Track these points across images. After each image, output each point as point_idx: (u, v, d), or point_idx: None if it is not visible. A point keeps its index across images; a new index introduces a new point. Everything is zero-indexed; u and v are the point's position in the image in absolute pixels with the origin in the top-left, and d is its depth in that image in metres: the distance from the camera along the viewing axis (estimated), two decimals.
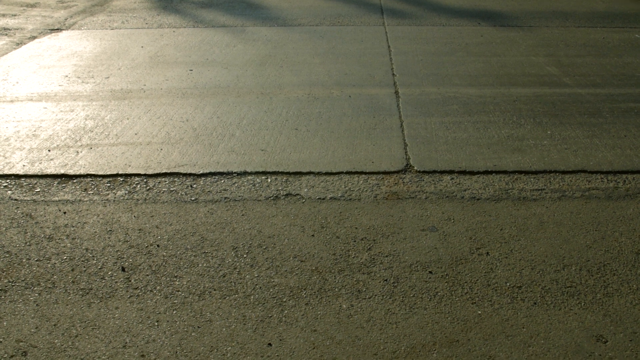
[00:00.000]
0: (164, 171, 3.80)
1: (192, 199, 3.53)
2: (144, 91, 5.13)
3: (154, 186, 3.65)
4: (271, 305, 2.71)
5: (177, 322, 2.62)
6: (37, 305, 2.72)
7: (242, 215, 3.37)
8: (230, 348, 2.48)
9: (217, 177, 3.75)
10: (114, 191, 3.61)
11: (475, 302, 2.71)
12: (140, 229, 3.25)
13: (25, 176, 3.76)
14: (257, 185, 3.66)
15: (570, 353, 2.44)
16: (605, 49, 6.13)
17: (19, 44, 6.55)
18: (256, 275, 2.90)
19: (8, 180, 3.72)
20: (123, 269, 2.95)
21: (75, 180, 3.72)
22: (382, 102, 4.85)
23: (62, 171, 3.81)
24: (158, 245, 3.12)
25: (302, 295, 2.77)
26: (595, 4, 8.05)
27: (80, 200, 3.53)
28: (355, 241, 3.14)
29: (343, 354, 2.45)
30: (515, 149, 4.05)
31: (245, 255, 3.03)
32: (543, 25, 7.12)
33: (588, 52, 6.04)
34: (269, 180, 3.70)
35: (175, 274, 2.91)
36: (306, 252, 3.06)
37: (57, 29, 7.18)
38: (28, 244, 3.14)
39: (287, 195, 3.55)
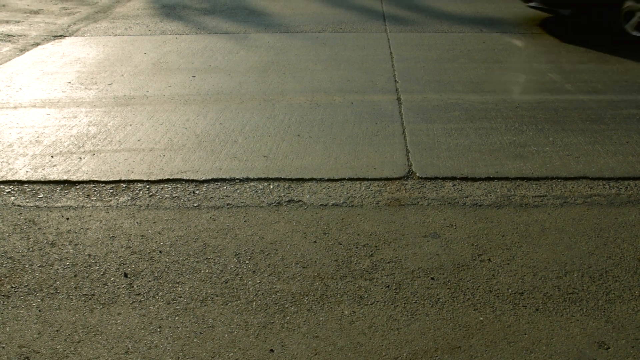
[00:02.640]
0: (166, 177, 3.81)
1: (195, 205, 3.54)
2: (146, 97, 5.14)
3: (156, 192, 3.66)
4: (273, 312, 2.71)
5: (180, 328, 2.62)
6: (39, 310, 2.73)
7: (245, 221, 3.38)
8: (232, 354, 2.49)
9: (219, 183, 3.75)
10: (116, 197, 3.62)
11: (477, 309, 2.71)
12: (142, 235, 3.26)
13: (28, 182, 3.78)
14: (259, 191, 3.66)
15: (572, 359, 2.44)
16: (607, 55, 6.14)
17: (23, 50, 6.57)
18: (258, 281, 2.90)
19: (11, 186, 3.73)
20: (125, 275, 2.95)
21: (78, 187, 3.73)
22: (384, 109, 4.86)
23: (65, 177, 3.82)
24: (160, 252, 3.12)
25: (304, 301, 2.77)
26: None
27: (83, 206, 3.54)
28: (357, 247, 3.14)
29: None
30: (517, 155, 4.05)
31: (247, 262, 3.04)
32: (545, 32, 7.13)
33: (590, 59, 6.05)
34: (271, 186, 3.71)
35: (178, 280, 2.91)
36: (308, 258, 3.06)
37: (61, 36, 7.20)
38: (31, 249, 3.15)
39: (289, 201, 3.56)
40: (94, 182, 3.78)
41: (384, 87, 5.37)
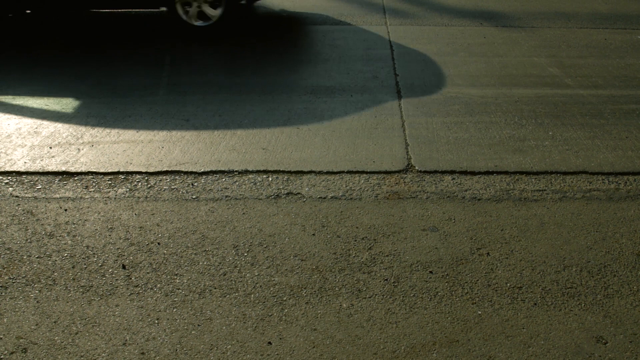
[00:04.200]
0: (165, 169, 3.80)
1: (193, 197, 3.53)
2: (146, 89, 5.12)
3: (155, 184, 3.65)
4: (271, 304, 2.71)
5: (177, 320, 2.62)
6: (37, 302, 2.73)
7: (243, 213, 3.37)
8: (230, 346, 2.49)
9: (218, 175, 3.75)
10: (115, 189, 3.61)
11: (475, 303, 2.71)
12: (141, 227, 3.25)
13: (27, 173, 3.77)
14: (258, 183, 3.66)
15: (570, 354, 2.44)
16: (607, 50, 6.13)
17: None
18: (257, 273, 2.90)
19: (9, 177, 3.72)
20: (124, 267, 2.95)
21: (76, 178, 3.72)
22: (384, 102, 4.84)
23: (64, 168, 3.81)
24: (159, 243, 3.12)
25: (302, 294, 2.77)
26: (598, 5, 8.05)
27: (81, 197, 3.53)
28: (355, 240, 3.14)
29: (343, 353, 2.45)
30: (516, 149, 4.04)
31: (245, 254, 3.03)
32: (545, 26, 7.11)
33: (590, 53, 6.04)
34: (270, 179, 3.71)
35: (176, 272, 2.91)
36: (307, 251, 3.06)
37: None
38: (29, 240, 3.14)
39: (288, 194, 3.56)
40: (92, 173, 3.77)
41: (384, 80, 5.36)
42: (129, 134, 4.24)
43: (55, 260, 3.00)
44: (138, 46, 5.91)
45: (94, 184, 3.66)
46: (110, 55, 5.69)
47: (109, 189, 3.61)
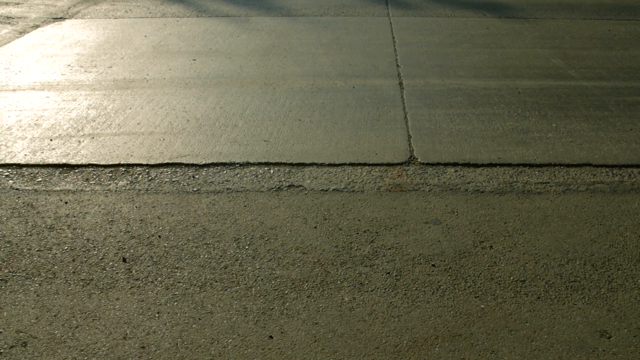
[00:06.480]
0: (166, 161, 3.78)
1: (194, 189, 3.51)
2: (146, 81, 5.10)
3: (155, 176, 3.63)
4: (273, 298, 2.69)
5: (178, 314, 2.60)
6: (37, 295, 2.71)
7: (244, 206, 3.35)
8: (231, 340, 2.47)
9: (219, 167, 3.73)
10: (115, 181, 3.59)
11: (478, 296, 2.70)
12: (141, 220, 3.24)
13: (27, 165, 3.75)
14: (259, 176, 3.64)
15: (573, 348, 2.42)
16: (612, 42, 6.09)
17: (22, 32, 6.52)
18: (258, 267, 2.88)
19: (10, 170, 3.70)
20: (124, 260, 2.93)
21: (77, 170, 3.71)
22: (386, 94, 4.82)
23: (64, 161, 3.79)
24: (159, 236, 3.10)
25: (303, 287, 2.75)
26: None
27: (81, 190, 3.51)
28: (357, 233, 3.12)
29: (344, 347, 2.44)
30: (519, 141, 4.02)
31: (247, 247, 3.02)
32: (549, 17, 7.07)
33: (594, 45, 6.00)
34: (272, 171, 3.68)
35: (177, 265, 2.89)
36: (308, 244, 3.04)
37: (61, 18, 7.15)
38: (29, 233, 3.13)
39: (289, 186, 3.53)
40: (92, 165, 3.75)
41: (386, 71, 5.33)
42: (130, 126, 4.22)
43: (56, 254, 2.98)
44: None
45: (94, 177, 3.64)
46: None
47: (109, 182, 3.59)
